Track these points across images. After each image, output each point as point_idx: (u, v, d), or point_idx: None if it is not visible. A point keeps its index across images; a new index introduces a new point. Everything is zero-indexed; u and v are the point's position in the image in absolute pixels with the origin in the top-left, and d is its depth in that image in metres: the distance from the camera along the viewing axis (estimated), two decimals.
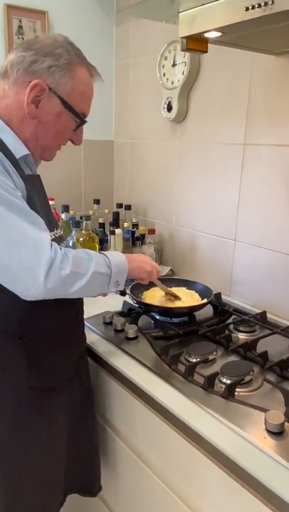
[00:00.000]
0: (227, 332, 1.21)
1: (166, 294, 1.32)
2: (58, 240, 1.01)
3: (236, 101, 1.42)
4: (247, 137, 1.41)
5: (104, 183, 2.05)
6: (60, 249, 0.87)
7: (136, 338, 1.19)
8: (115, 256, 0.99)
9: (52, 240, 0.97)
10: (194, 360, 1.06)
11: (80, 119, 0.96)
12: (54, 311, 0.96)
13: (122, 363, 1.09)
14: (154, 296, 1.35)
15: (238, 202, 1.47)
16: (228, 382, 0.96)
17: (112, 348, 1.16)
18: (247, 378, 0.99)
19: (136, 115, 1.89)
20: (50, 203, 1.70)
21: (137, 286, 1.36)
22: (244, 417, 0.87)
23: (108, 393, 1.16)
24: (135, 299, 1.30)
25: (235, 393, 0.94)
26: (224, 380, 0.97)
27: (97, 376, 1.17)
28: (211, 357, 1.08)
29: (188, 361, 1.06)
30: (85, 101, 0.96)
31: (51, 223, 1.00)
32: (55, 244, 0.86)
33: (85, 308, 1.10)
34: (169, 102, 1.62)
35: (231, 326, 1.26)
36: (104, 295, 1.03)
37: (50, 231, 0.97)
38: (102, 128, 1.98)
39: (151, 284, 1.42)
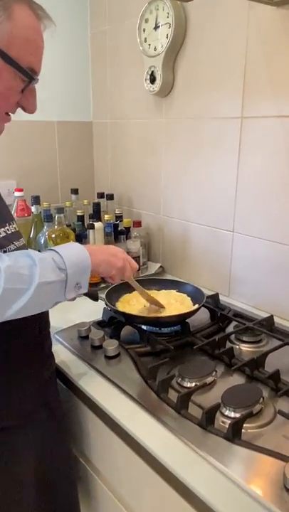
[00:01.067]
0: (228, 344, 1.00)
1: (147, 300, 1.10)
2: (12, 237, 0.80)
3: (231, 66, 1.20)
4: (244, 109, 1.19)
5: (83, 171, 1.82)
6: None
7: (117, 356, 0.97)
8: (72, 250, 0.76)
9: (2, 237, 0.76)
10: (189, 385, 0.85)
11: (27, 75, 0.71)
12: (8, 328, 0.73)
13: (99, 390, 0.87)
14: (131, 302, 1.13)
15: (235, 186, 1.25)
16: (233, 416, 0.75)
17: (88, 369, 0.94)
18: (256, 409, 0.77)
19: (116, 91, 1.65)
20: (18, 194, 1.49)
21: (115, 289, 1.14)
22: (254, 467, 0.67)
23: (84, 425, 0.95)
24: (110, 307, 1.08)
25: (242, 430, 0.73)
26: (227, 413, 0.76)
27: (71, 403, 0.96)
28: (209, 379, 0.87)
29: (182, 386, 0.85)
30: (32, 50, 0.71)
31: (2, 217, 0.79)
32: None
33: (57, 316, 0.88)
34: (152, 71, 1.39)
35: (233, 336, 1.05)
36: (72, 299, 0.80)
37: (0, 227, 0.76)
38: (78, 108, 1.74)
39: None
